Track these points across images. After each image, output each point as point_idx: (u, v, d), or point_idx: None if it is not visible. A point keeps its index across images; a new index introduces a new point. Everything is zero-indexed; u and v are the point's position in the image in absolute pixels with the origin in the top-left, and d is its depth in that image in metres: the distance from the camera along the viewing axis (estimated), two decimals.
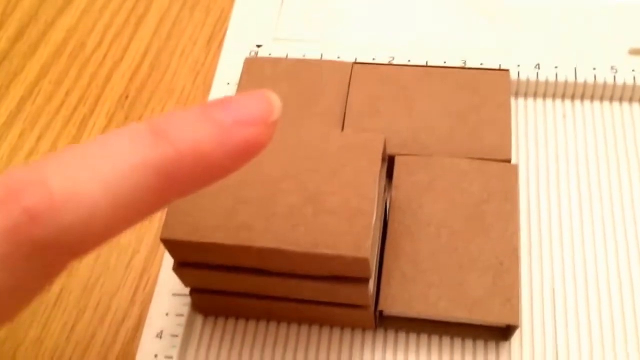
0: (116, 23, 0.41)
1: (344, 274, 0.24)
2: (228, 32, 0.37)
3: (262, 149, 0.17)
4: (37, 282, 0.15)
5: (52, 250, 0.15)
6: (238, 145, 0.16)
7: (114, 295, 0.30)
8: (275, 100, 0.17)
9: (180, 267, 0.25)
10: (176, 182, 0.16)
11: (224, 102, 0.16)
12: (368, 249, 0.23)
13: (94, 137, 0.16)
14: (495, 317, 0.25)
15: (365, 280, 0.24)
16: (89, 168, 0.15)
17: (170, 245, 0.24)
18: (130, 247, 0.32)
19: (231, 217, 0.23)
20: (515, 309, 0.25)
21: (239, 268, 0.24)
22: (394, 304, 0.26)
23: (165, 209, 0.24)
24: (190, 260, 0.25)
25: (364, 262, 0.23)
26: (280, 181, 0.24)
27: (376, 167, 0.24)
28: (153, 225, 0.32)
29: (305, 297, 0.26)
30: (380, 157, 0.25)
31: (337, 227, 0.23)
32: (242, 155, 0.16)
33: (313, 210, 0.23)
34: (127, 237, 0.32)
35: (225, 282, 0.25)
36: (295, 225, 0.23)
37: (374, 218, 0.23)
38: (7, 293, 0.15)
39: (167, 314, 0.28)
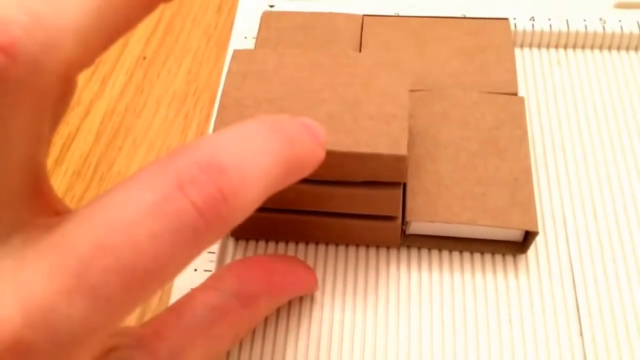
0: None
1: (379, 178, 0.24)
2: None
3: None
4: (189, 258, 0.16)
5: (222, 232, 0.15)
6: (319, 157, 0.19)
7: None
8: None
9: None
10: (293, 175, 0.18)
11: (311, 127, 0.19)
12: (405, 147, 0.23)
13: (232, 128, 0.17)
14: (516, 223, 0.26)
15: (398, 185, 0.25)
16: (251, 158, 0.16)
17: None
18: None
19: None
20: (534, 217, 0.26)
21: None
22: (421, 214, 0.27)
23: (214, 118, 0.24)
24: None
25: (402, 160, 0.23)
26: (319, 93, 0.25)
27: (406, 79, 0.25)
28: None
29: (338, 210, 0.26)
30: (408, 71, 0.26)
31: (375, 130, 0.24)
32: (313, 166, 0.19)
33: (351, 117, 0.24)
34: None
35: None
36: (336, 129, 0.24)
37: (408, 123, 0.24)
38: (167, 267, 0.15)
39: (195, 270, 0.27)
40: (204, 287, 0.23)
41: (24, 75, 0.13)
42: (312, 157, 0.19)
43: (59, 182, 0.32)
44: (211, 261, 0.27)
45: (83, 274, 0.14)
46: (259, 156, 0.16)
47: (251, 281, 0.24)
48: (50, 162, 0.33)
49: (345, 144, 0.23)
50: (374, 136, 0.24)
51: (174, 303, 0.22)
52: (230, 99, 0.25)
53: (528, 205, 0.27)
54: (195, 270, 0.27)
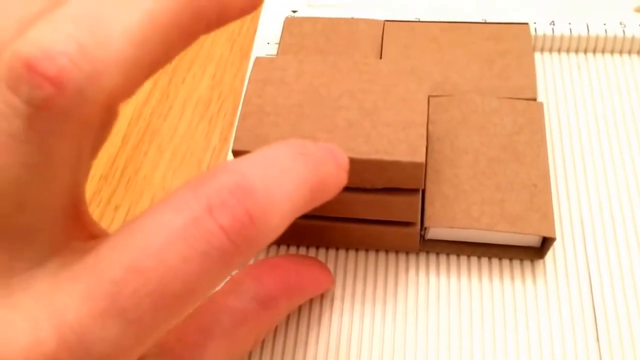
0: None
1: (397, 184, 0.25)
2: (266, 0, 0.38)
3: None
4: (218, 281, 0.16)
5: (251, 254, 0.16)
6: (342, 181, 0.19)
7: None
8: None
9: None
10: (318, 198, 0.18)
11: (335, 152, 0.19)
12: (423, 155, 0.23)
13: (260, 151, 0.17)
14: (534, 229, 0.26)
15: (416, 192, 0.25)
16: (279, 181, 0.16)
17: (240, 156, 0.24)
18: None
19: (295, 131, 0.24)
20: (552, 223, 0.26)
21: None
22: (439, 220, 0.27)
23: (236, 125, 0.25)
24: None
25: (420, 167, 0.23)
26: (339, 99, 0.25)
27: (425, 86, 0.25)
28: (201, 171, 0.33)
29: (357, 216, 0.26)
30: (427, 79, 0.26)
31: (393, 137, 0.24)
32: (337, 190, 0.19)
33: (370, 124, 0.24)
34: (178, 183, 0.33)
35: None
36: (354, 136, 0.24)
37: (426, 130, 0.24)
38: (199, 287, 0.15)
39: None
40: (223, 291, 0.23)
41: (69, 104, 0.14)
42: (336, 181, 0.19)
43: (86, 187, 0.33)
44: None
45: (116, 297, 0.14)
46: (286, 179, 0.16)
47: (269, 283, 0.24)
48: None
49: (364, 151, 0.24)
50: (392, 143, 0.24)
51: (196, 308, 0.22)
52: (252, 106, 0.25)
53: (546, 211, 0.27)
54: None
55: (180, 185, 0.16)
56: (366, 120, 0.24)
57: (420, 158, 0.23)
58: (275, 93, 0.26)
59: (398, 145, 0.24)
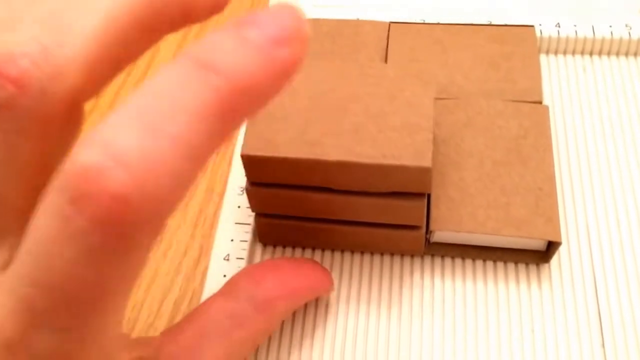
0: None
1: (404, 188, 0.24)
2: (271, 0, 0.38)
3: (300, 67, 0.15)
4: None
5: (140, 235, 0.13)
6: (281, 69, 0.14)
7: (174, 232, 0.31)
8: (302, 13, 0.15)
9: (253, 187, 0.25)
10: (232, 116, 0.14)
11: (256, 20, 0.14)
12: (430, 159, 0.23)
13: (142, 85, 0.14)
14: (540, 234, 0.26)
15: (422, 196, 0.25)
16: (156, 130, 0.13)
17: (248, 160, 0.24)
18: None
19: (303, 135, 0.24)
20: (557, 227, 0.26)
21: (307, 187, 0.25)
22: (445, 224, 0.27)
23: (244, 130, 0.25)
24: (263, 178, 0.25)
25: (426, 171, 0.23)
26: (346, 104, 0.25)
27: (431, 90, 0.25)
28: (206, 174, 0.33)
29: (364, 219, 0.26)
30: (433, 82, 0.26)
31: (400, 142, 0.24)
32: (283, 78, 0.15)
33: (377, 128, 0.24)
34: None
35: (292, 203, 0.26)
36: (361, 141, 0.24)
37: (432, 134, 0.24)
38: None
39: (232, 240, 0.28)
40: (220, 293, 0.23)
41: (32, 103, 0.14)
42: (268, 80, 0.14)
43: None
44: (239, 267, 0.27)
45: (34, 313, 0.14)
46: (172, 120, 0.13)
47: (267, 286, 0.24)
48: None
49: (371, 155, 0.24)
50: (399, 148, 0.24)
51: (192, 311, 0.22)
52: (259, 111, 0.25)
53: (552, 215, 0.26)
54: (225, 276, 0.27)
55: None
56: (373, 124, 0.24)
57: (427, 163, 0.23)
58: (283, 98, 0.26)
59: (405, 150, 0.24)
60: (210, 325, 0.22)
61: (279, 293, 0.24)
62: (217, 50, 0.14)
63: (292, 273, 0.25)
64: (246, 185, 0.26)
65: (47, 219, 0.13)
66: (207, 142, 0.14)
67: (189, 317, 0.22)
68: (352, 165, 0.24)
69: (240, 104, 0.14)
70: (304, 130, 0.24)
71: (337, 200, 0.25)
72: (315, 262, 0.27)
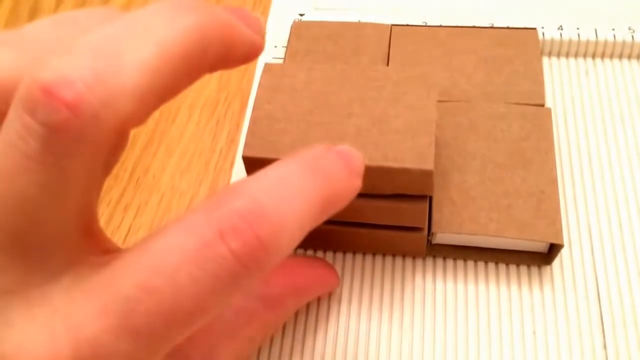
0: None
1: (406, 191, 0.24)
2: (273, 2, 0.38)
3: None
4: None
5: (261, 274, 0.16)
6: (355, 188, 0.19)
7: None
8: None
9: None
10: (329, 210, 0.18)
11: (349, 157, 0.19)
12: (432, 162, 0.23)
13: (273, 169, 0.17)
14: (541, 236, 0.26)
15: (424, 198, 0.25)
16: (289, 203, 0.16)
17: (250, 162, 0.24)
18: (190, 192, 0.32)
19: (306, 138, 0.24)
20: (559, 229, 0.26)
21: None
22: (447, 226, 0.27)
23: (246, 131, 0.25)
24: None
25: (428, 174, 0.23)
26: (348, 107, 0.25)
27: (434, 93, 0.25)
28: (209, 172, 0.33)
29: (366, 220, 0.26)
30: (435, 86, 0.26)
31: (402, 144, 0.24)
32: (350, 197, 0.19)
33: (379, 131, 0.24)
34: (186, 183, 0.33)
35: None
36: (364, 143, 0.24)
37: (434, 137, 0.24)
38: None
39: None
40: None
41: (85, 128, 0.14)
42: (348, 191, 0.19)
43: None
44: None
45: (128, 315, 0.14)
46: (296, 200, 0.16)
47: (275, 283, 0.24)
48: None
49: (373, 158, 0.23)
50: (401, 150, 0.24)
51: None
52: (262, 112, 0.25)
53: (554, 217, 0.26)
54: None
55: (195, 206, 0.16)
56: (375, 127, 0.24)
57: (429, 165, 0.23)
58: (285, 100, 0.26)
59: (407, 153, 0.24)
60: (221, 323, 0.23)
61: (288, 290, 0.25)
62: (325, 160, 0.18)
63: (299, 270, 0.26)
64: None
65: (184, 237, 0.15)
66: (314, 223, 0.18)
67: None
68: None
69: (330, 202, 0.18)
70: (306, 133, 0.24)
71: None
72: (322, 259, 0.27)
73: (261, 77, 0.27)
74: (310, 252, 0.29)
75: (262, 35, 0.20)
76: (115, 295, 0.15)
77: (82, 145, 0.15)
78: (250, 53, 0.19)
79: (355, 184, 0.19)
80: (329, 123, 0.25)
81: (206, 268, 0.15)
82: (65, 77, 0.14)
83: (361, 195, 0.25)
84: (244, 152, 0.24)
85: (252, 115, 0.25)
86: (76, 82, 0.14)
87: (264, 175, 0.17)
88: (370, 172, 0.24)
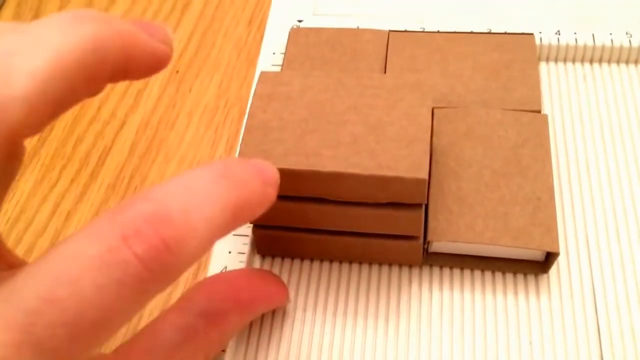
0: (164, 9, 0.41)
1: (400, 199, 0.24)
2: (272, 8, 0.37)
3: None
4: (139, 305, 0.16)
5: (170, 279, 0.16)
6: (269, 198, 0.20)
7: None
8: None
9: None
10: (243, 218, 0.18)
11: (262, 169, 0.19)
12: (426, 171, 0.23)
13: (183, 176, 0.17)
14: (537, 244, 0.26)
15: (419, 206, 0.25)
16: (197, 207, 0.16)
17: None
18: None
19: (301, 146, 0.24)
20: (555, 237, 0.26)
21: (304, 198, 0.25)
22: (442, 234, 0.26)
23: (241, 139, 0.24)
24: None
25: (422, 182, 0.23)
26: (344, 114, 0.25)
27: (429, 100, 0.25)
28: None
29: (361, 229, 0.26)
30: (431, 93, 0.25)
31: (397, 153, 0.23)
32: (265, 205, 0.19)
33: (375, 139, 0.24)
34: None
35: (289, 214, 0.26)
36: (359, 151, 0.23)
37: (429, 145, 0.24)
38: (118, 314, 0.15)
39: (229, 252, 0.28)
40: (173, 308, 0.22)
41: None
42: (261, 199, 0.19)
43: (94, 197, 0.33)
44: None
45: (31, 329, 0.14)
46: (205, 204, 0.16)
47: (219, 299, 0.23)
48: (85, 175, 0.34)
49: (368, 166, 0.23)
50: (396, 159, 0.23)
51: (144, 326, 0.22)
52: (256, 121, 0.25)
53: (550, 225, 0.26)
54: None
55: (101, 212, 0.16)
56: (371, 135, 0.24)
57: (423, 174, 0.23)
58: (280, 108, 0.25)
59: (401, 161, 0.23)
60: (162, 341, 0.21)
61: (231, 305, 0.23)
62: (237, 168, 0.18)
63: (244, 284, 0.24)
64: None
65: (87, 244, 0.15)
66: (224, 230, 0.17)
67: (140, 333, 0.22)
68: (348, 176, 0.23)
69: (243, 209, 0.18)
70: (301, 141, 0.24)
71: (334, 211, 0.25)
72: (270, 273, 0.26)
73: (256, 86, 0.26)
74: (306, 262, 0.28)
75: (168, 44, 0.19)
76: (15, 308, 0.14)
77: None
78: (156, 63, 0.19)
79: (269, 193, 0.19)
80: (324, 131, 0.24)
81: (110, 274, 0.14)
82: None
83: (356, 203, 0.25)
84: None
85: (246, 124, 0.25)
86: None
87: (173, 181, 0.17)
88: (365, 181, 0.23)
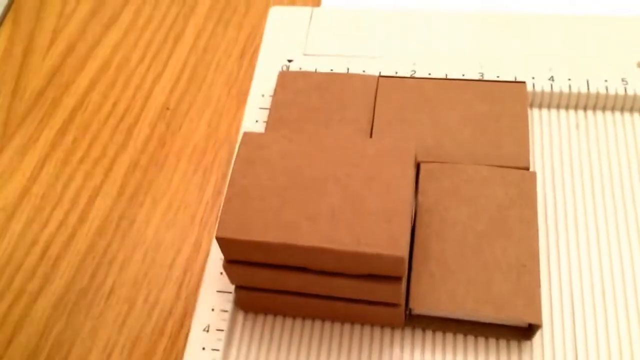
0: (157, 39, 0.41)
1: (380, 272, 0.23)
2: (262, 48, 0.36)
3: None
4: None
5: None
6: None
7: (161, 290, 0.30)
8: None
9: (230, 264, 0.25)
10: None
11: None
12: (405, 248, 0.22)
13: None
14: (519, 315, 0.25)
15: (399, 279, 0.24)
16: None
17: (224, 243, 0.23)
18: (174, 247, 0.32)
19: (279, 217, 0.23)
20: (538, 309, 0.25)
21: (284, 266, 0.24)
22: (424, 303, 0.25)
23: (221, 209, 0.24)
24: (240, 257, 0.24)
25: (401, 260, 0.22)
26: (323, 184, 0.24)
27: (410, 172, 0.24)
28: (194, 227, 0.32)
29: (342, 295, 0.25)
30: (413, 162, 0.25)
31: (375, 228, 0.23)
32: None
33: (353, 212, 0.23)
34: (170, 237, 0.32)
35: (270, 280, 0.25)
36: (338, 225, 0.23)
37: (409, 220, 0.23)
38: None
39: (212, 309, 0.27)
40: None
41: None
42: None
43: (81, 241, 0.32)
44: (219, 339, 0.27)
45: None
46: None
47: None
48: (73, 219, 0.33)
49: (346, 242, 0.23)
50: (375, 234, 0.23)
51: None
52: (237, 188, 0.24)
53: (533, 295, 0.25)
54: (204, 349, 0.26)
55: None
56: (350, 208, 0.23)
57: (402, 252, 0.22)
58: (261, 173, 0.25)
59: (380, 237, 0.23)
60: None
61: None
62: None
63: None
64: (223, 263, 0.25)
65: None
66: None
67: None
68: (327, 251, 0.23)
69: None
70: (280, 211, 0.23)
71: (315, 279, 0.25)
72: None
73: (239, 148, 0.26)
74: (288, 320, 0.28)
75: None
76: None
77: None
78: None
79: None
80: (303, 201, 0.24)
81: None
82: None
83: (336, 273, 0.24)
84: (217, 233, 0.23)
85: (227, 193, 0.24)
86: None
87: None
88: (344, 256, 0.23)
